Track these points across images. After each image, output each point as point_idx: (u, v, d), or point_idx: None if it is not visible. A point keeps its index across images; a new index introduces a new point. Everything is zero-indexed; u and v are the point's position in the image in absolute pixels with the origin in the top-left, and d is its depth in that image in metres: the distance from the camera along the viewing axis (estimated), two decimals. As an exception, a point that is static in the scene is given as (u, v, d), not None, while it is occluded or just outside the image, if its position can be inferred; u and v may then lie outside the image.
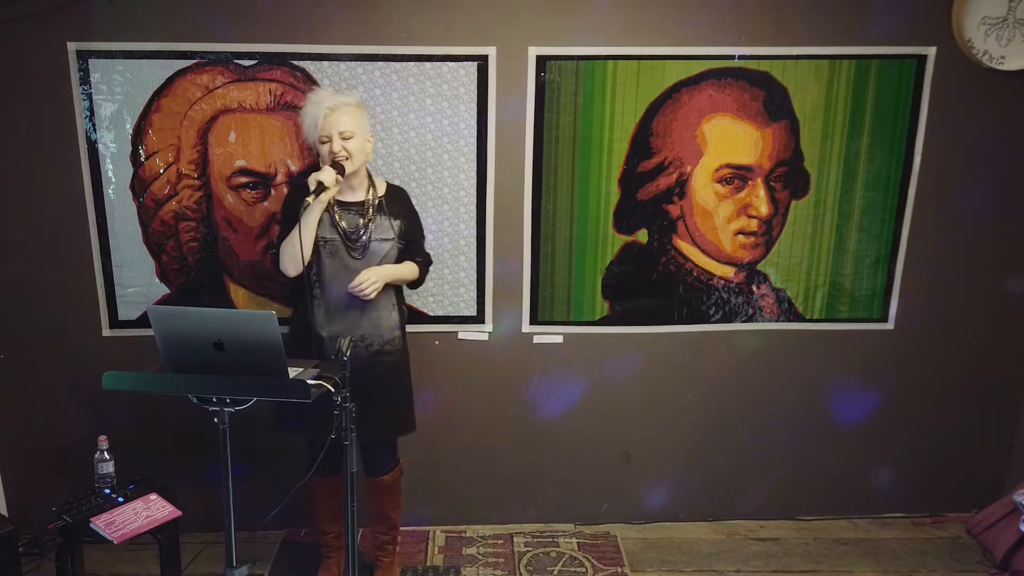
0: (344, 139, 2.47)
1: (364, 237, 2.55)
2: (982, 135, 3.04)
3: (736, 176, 3.04)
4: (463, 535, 3.28)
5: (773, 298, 3.18)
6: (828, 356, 3.25)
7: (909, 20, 2.91)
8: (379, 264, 2.56)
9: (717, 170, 3.02)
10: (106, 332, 3.00)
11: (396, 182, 2.79)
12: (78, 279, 2.94)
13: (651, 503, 3.38)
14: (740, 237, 3.11)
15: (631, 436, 3.30)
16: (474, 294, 3.09)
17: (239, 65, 2.81)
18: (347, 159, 2.47)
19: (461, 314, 3.11)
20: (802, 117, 2.99)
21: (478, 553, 3.15)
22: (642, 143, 2.98)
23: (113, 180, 2.88)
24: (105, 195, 2.89)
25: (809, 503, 3.42)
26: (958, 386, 3.31)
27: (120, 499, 2.55)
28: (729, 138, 2.99)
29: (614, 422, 3.27)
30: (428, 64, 2.86)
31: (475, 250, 3.05)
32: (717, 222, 3.08)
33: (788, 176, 3.05)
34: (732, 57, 2.91)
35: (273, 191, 2.92)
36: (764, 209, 3.08)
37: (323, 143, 2.50)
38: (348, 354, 2.11)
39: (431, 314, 3.09)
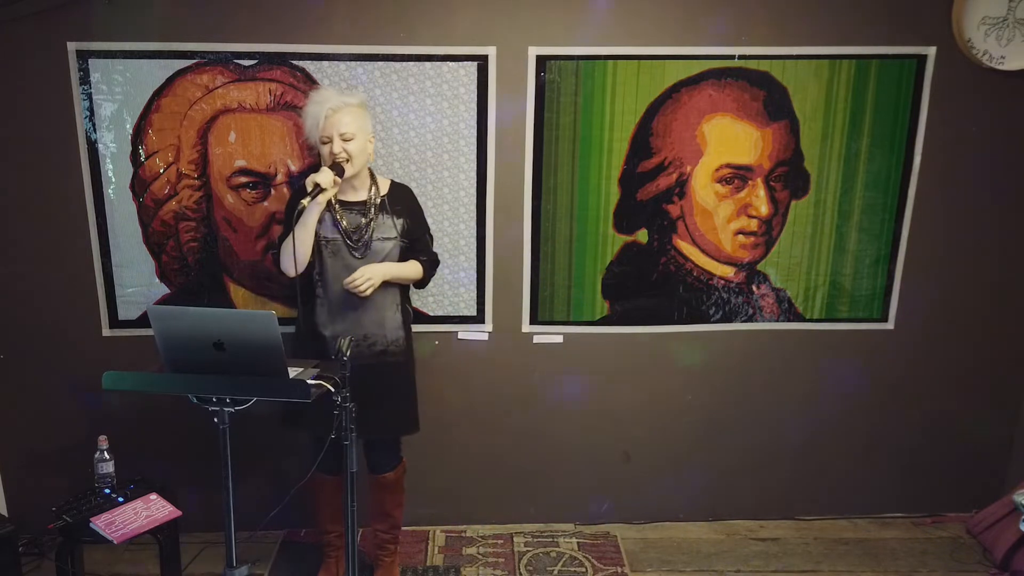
0: (345, 141, 2.47)
1: (365, 236, 2.55)
2: (982, 135, 3.04)
3: (736, 176, 3.04)
4: (463, 535, 3.28)
5: (773, 298, 3.18)
6: (828, 356, 3.25)
7: (909, 20, 2.91)
8: (381, 263, 2.56)
9: (717, 170, 3.02)
10: (106, 332, 3.00)
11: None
12: (78, 279, 2.94)
13: (651, 503, 3.38)
14: (740, 237, 3.11)
15: (631, 436, 3.30)
16: (474, 294, 3.09)
17: (239, 65, 2.81)
18: (347, 161, 2.48)
19: (461, 314, 3.11)
20: (802, 117, 2.99)
21: (478, 553, 3.15)
22: (642, 143, 2.98)
23: (113, 180, 2.88)
24: (105, 195, 2.89)
25: (809, 503, 3.42)
26: (958, 386, 3.31)
27: (120, 499, 2.55)
28: (729, 138, 2.99)
29: (614, 422, 3.27)
30: (428, 64, 2.86)
31: (475, 250, 3.05)
32: (717, 222, 3.08)
33: (788, 176, 3.05)
34: (732, 57, 2.91)
35: (273, 191, 2.92)
36: (764, 209, 3.08)
37: (324, 143, 2.51)
38: (348, 354, 2.11)
39: (431, 314, 3.10)
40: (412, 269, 2.65)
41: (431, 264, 2.73)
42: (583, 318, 3.15)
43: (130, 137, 2.84)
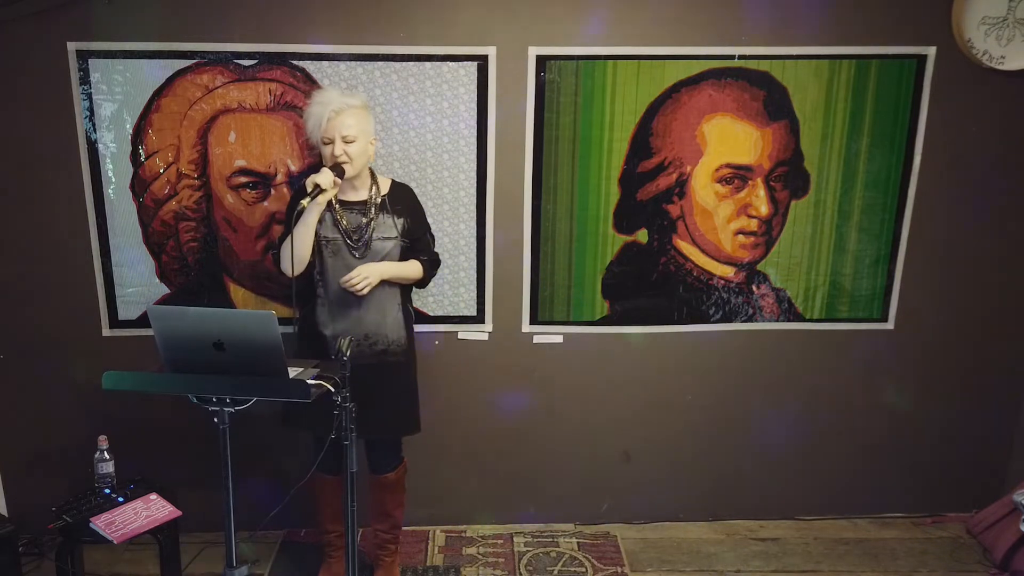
0: (347, 143, 2.47)
1: (366, 236, 2.55)
2: (982, 135, 3.04)
3: (736, 176, 3.04)
4: (463, 535, 3.28)
5: (773, 298, 3.18)
6: (828, 356, 3.25)
7: (909, 20, 2.91)
8: (380, 262, 2.56)
9: (717, 170, 3.02)
10: (106, 332, 3.00)
11: (396, 182, 2.80)
12: (78, 279, 2.94)
13: (651, 503, 3.38)
14: (740, 237, 3.11)
15: (631, 436, 3.30)
16: (474, 294, 3.09)
17: (239, 65, 2.81)
18: (348, 163, 2.48)
19: (461, 314, 3.11)
20: (802, 117, 2.99)
21: (478, 553, 3.15)
22: (642, 143, 2.98)
23: (113, 180, 2.88)
24: (105, 195, 2.89)
25: (809, 503, 3.42)
26: (958, 386, 3.31)
27: (120, 499, 2.56)
28: (729, 138, 2.99)
29: (614, 422, 3.27)
30: (428, 64, 2.86)
31: (475, 250, 3.05)
32: (717, 222, 3.08)
33: (788, 176, 3.05)
34: (732, 57, 2.91)
35: (273, 191, 2.92)
36: (764, 209, 3.08)
37: (326, 144, 2.51)
38: (348, 354, 2.11)
39: (431, 314, 3.10)
40: (412, 269, 2.64)
41: (432, 264, 2.73)
42: (583, 318, 3.15)
43: (130, 137, 2.84)
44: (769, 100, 2.96)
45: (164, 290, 3.00)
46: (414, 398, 2.74)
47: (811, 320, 3.21)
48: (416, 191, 2.75)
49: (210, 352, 1.92)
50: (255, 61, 2.81)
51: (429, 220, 2.79)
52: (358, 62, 2.83)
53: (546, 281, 3.11)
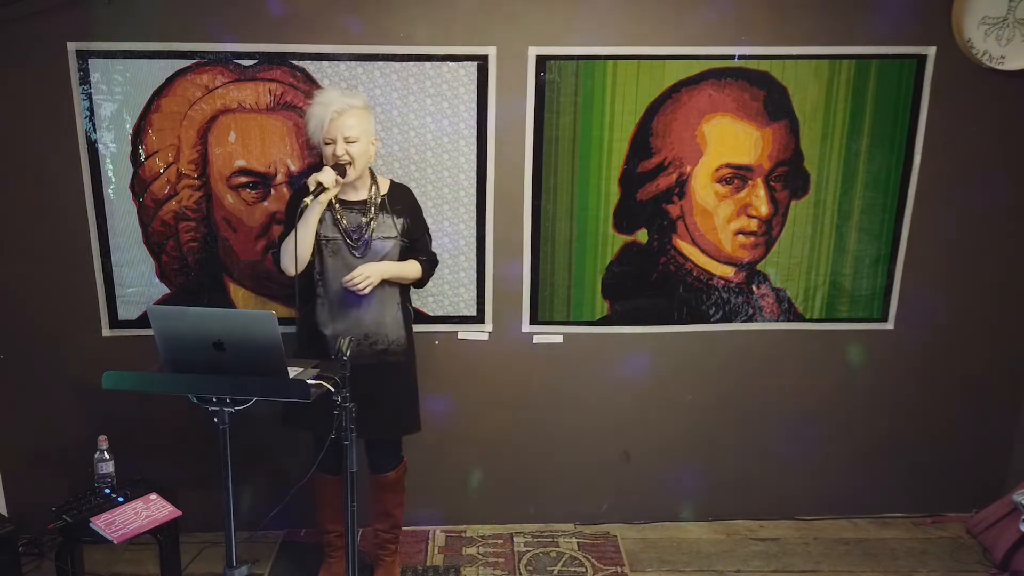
0: (349, 143, 2.48)
1: (365, 236, 2.55)
2: (982, 135, 3.04)
3: (736, 176, 3.04)
4: (463, 535, 3.28)
5: (773, 298, 3.18)
6: (828, 356, 3.25)
7: (909, 20, 2.91)
8: (380, 262, 2.56)
9: (717, 170, 3.02)
10: (106, 332, 3.00)
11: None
12: (78, 279, 2.94)
13: (651, 503, 3.38)
14: (740, 237, 3.11)
15: (631, 436, 3.30)
16: (474, 294, 3.09)
17: (239, 65, 2.81)
18: (350, 163, 2.48)
19: (461, 314, 3.11)
20: (802, 117, 2.99)
21: (478, 553, 3.15)
22: (642, 143, 2.98)
23: (113, 180, 2.88)
24: (105, 195, 2.89)
25: (809, 503, 3.42)
26: (958, 386, 3.31)
27: (120, 499, 2.56)
28: (729, 138, 2.99)
29: (614, 422, 3.27)
30: (428, 64, 2.86)
31: (475, 250, 3.05)
32: (717, 222, 3.08)
33: (788, 176, 3.05)
34: (732, 57, 2.91)
35: (273, 191, 2.92)
36: (764, 209, 3.08)
37: (327, 144, 2.51)
38: (348, 354, 2.11)
39: (431, 314, 3.10)
40: (411, 268, 2.65)
41: (430, 264, 2.73)
42: (583, 318, 3.15)
43: (130, 137, 2.84)
44: (769, 100, 2.96)
45: (164, 290, 3.00)
46: (414, 398, 2.74)
47: (811, 320, 3.21)
48: (416, 191, 2.76)
49: (210, 352, 1.92)
50: (255, 61, 2.81)
51: (429, 220, 2.80)
52: (358, 62, 2.83)
53: (546, 281, 3.11)
